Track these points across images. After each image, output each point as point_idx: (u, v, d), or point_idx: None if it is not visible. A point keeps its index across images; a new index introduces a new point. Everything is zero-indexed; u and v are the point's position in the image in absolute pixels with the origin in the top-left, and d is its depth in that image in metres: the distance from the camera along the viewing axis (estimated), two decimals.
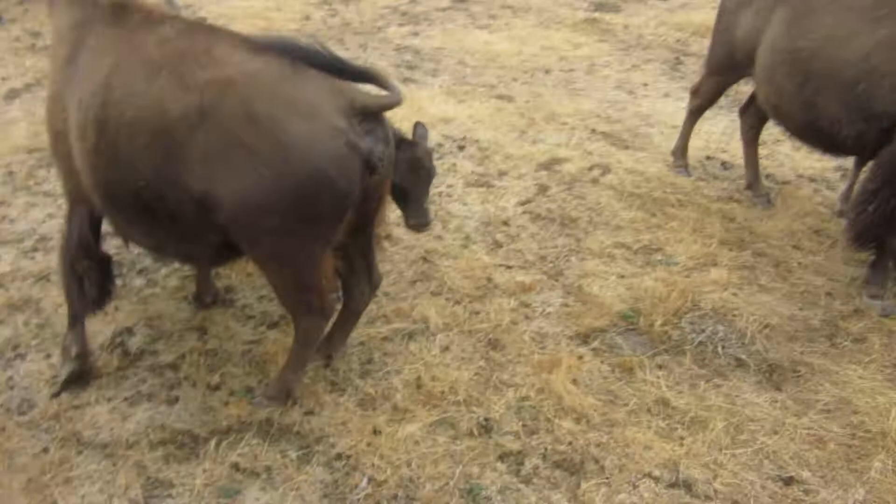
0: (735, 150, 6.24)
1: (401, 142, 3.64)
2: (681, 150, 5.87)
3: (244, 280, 4.45)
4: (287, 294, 3.38)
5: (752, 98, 5.41)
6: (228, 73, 2.96)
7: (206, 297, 4.21)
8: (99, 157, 3.14)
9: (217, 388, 3.69)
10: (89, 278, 3.56)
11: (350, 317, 3.78)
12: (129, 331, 4.02)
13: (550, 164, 5.88)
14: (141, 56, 3.09)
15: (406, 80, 7.46)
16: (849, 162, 5.93)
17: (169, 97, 2.98)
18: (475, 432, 3.51)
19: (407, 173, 3.66)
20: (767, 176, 5.83)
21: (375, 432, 3.46)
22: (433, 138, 6.23)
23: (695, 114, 5.81)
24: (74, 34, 3.26)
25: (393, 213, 5.16)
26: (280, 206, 2.96)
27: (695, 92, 5.76)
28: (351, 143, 2.96)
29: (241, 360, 3.86)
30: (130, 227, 3.41)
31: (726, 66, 5.29)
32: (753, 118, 5.49)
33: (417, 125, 3.97)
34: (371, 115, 3.06)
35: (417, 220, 3.81)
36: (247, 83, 2.94)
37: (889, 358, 4.04)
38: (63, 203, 5.12)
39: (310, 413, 3.57)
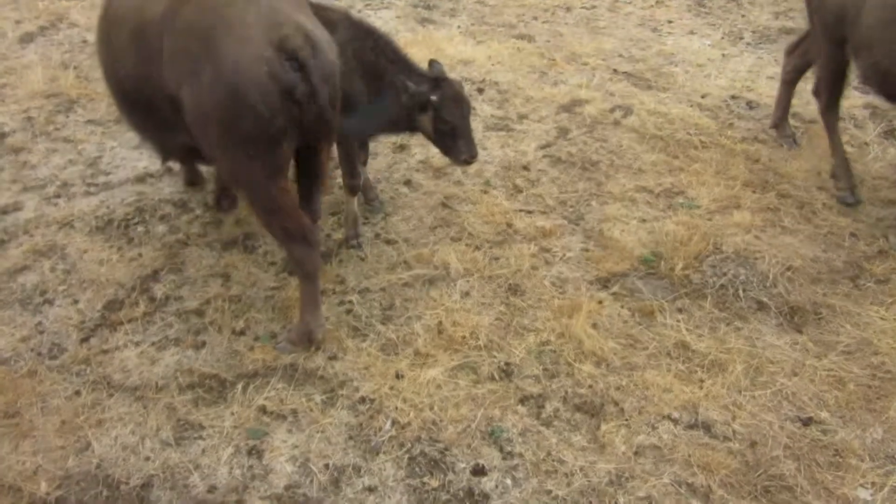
0: (762, 88, 6.10)
1: (441, 80, 3.92)
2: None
3: None
4: (258, 218, 3.63)
5: (803, 38, 5.17)
6: None
7: (223, 203, 4.45)
8: (101, 46, 3.73)
9: (242, 333, 3.77)
10: None
11: None
12: (154, 276, 4.10)
13: (571, 107, 5.80)
14: None
15: (424, 21, 7.32)
16: (878, 100, 5.79)
17: (147, 2, 3.37)
18: (496, 376, 3.57)
19: (452, 109, 3.90)
20: (794, 115, 5.69)
21: (398, 376, 3.53)
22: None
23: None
24: None
25: (413, 157, 5.17)
26: (216, 119, 3.21)
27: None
28: (273, 73, 3.13)
29: (265, 306, 3.92)
30: (128, 115, 3.84)
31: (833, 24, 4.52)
32: (799, 60, 5.27)
33: (432, 62, 4.10)
34: (302, 55, 3.17)
35: (469, 152, 3.99)
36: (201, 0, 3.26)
37: None
38: (83, 148, 5.17)
39: (333, 358, 3.65)
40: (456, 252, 4.29)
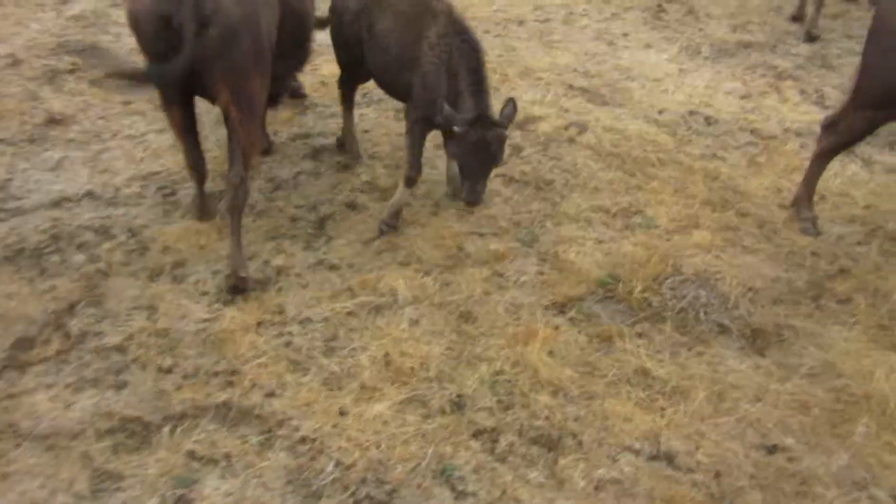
0: (719, 104, 6.29)
1: (479, 121, 4.02)
2: (805, 200, 4.92)
3: (197, 253, 4.41)
4: None
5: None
6: None
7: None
8: None
9: (169, 371, 3.68)
10: None
11: None
12: (70, 311, 3.97)
13: (524, 124, 5.87)
14: None
15: None
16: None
17: None
18: (447, 410, 3.55)
19: (468, 152, 4.05)
20: (752, 131, 5.88)
21: (342, 413, 3.48)
22: None
23: (828, 154, 4.86)
24: None
25: (358, 177, 5.16)
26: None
27: (831, 127, 4.77)
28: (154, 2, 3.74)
29: (195, 341, 3.84)
30: None
31: (886, 98, 4.36)
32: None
33: (509, 101, 4.18)
34: None
35: (467, 198, 4.16)
36: None
37: (874, 318, 4.14)
38: None
39: (271, 395, 3.58)
40: (404, 278, 4.28)
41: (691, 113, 6.17)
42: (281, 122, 5.73)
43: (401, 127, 5.77)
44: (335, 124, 5.75)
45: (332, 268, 4.38)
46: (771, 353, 3.94)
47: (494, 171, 5.26)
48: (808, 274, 4.48)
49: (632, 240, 4.67)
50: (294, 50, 4.71)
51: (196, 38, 3.67)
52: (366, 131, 5.73)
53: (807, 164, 5.40)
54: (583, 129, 5.85)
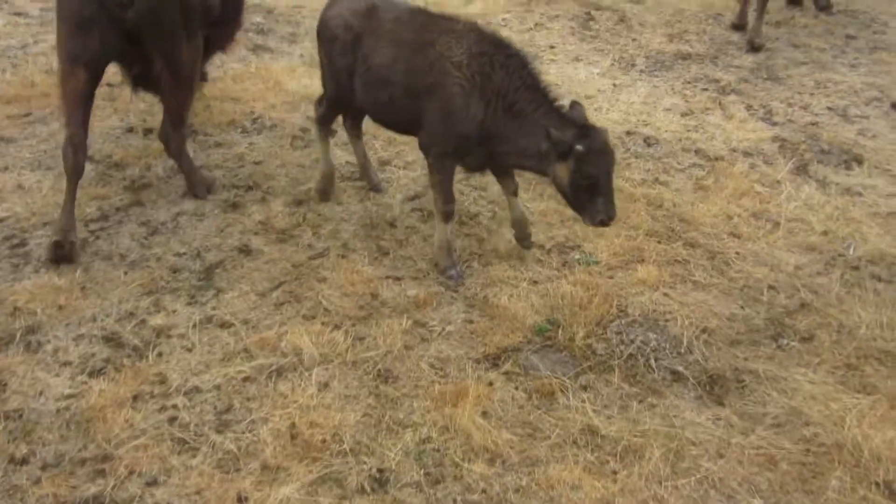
0: (659, 122, 6.56)
1: (589, 128, 4.20)
2: None
3: (55, 315, 4.27)
4: None
5: None
6: None
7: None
8: None
9: (24, 461, 3.52)
10: None
11: None
12: None
13: None
14: None
15: (257, 49, 7.38)
16: (787, 132, 6.38)
17: None
18: (367, 488, 3.51)
19: (598, 163, 4.17)
20: (697, 151, 6.15)
21: (241, 500, 3.40)
22: (295, 122, 6.23)
23: None
24: None
25: (249, 217, 5.12)
26: None
27: None
28: None
29: (56, 422, 3.70)
30: None
31: None
32: None
33: (574, 105, 4.37)
34: None
35: (608, 213, 4.28)
36: None
37: (840, 357, 4.35)
38: None
39: (153, 484, 3.46)
40: (309, 333, 4.25)
41: (629, 133, 6.41)
42: (155, 155, 5.64)
43: (298, 157, 5.80)
44: (219, 155, 5.71)
45: (224, 325, 4.31)
46: (731, 401, 4.08)
47: (411, 206, 5.37)
48: (766, 310, 4.68)
49: (570, 279, 4.78)
50: (226, 19, 5.49)
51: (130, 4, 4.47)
52: (256, 163, 5.71)
53: (758, 186, 5.70)
54: None
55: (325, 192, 5.36)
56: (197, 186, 5.29)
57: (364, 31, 4.71)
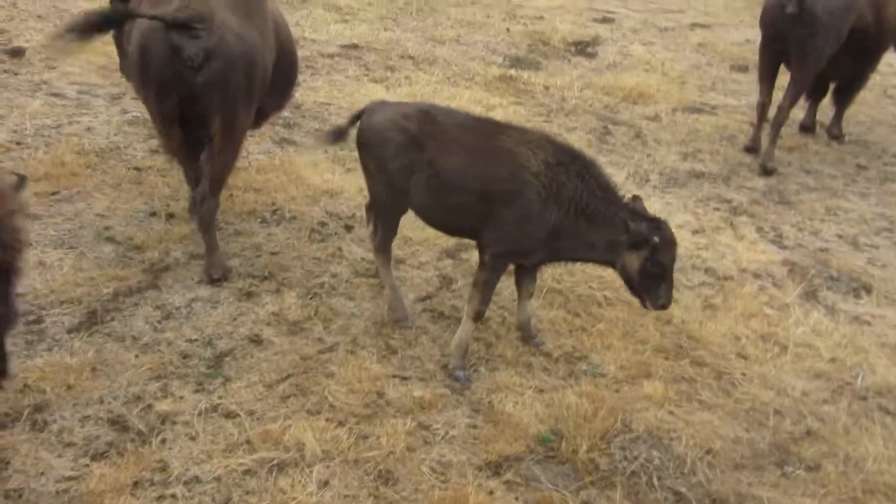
0: None
1: (661, 221, 4.59)
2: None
3: (64, 394, 4.29)
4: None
5: None
6: None
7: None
8: None
9: None
10: None
11: None
12: None
13: (456, 252, 6.05)
14: None
15: (283, 142, 7.57)
16: (797, 256, 6.46)
17: None
18: None
19: (668, 253, 4.55)
20: (706, 270, 6.21)
21: None
22: (314, 215, 6.35)
23: None
24: None
25: (263, 307, 5.17)
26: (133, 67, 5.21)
27: None
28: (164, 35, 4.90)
29: (56, 503, 3.67)
30: None
31: None
32: None
33: (636, 198, 4.73)
34: (190, 28, 4.90)
35: (668, 298, 4.64)
36: None
37: (846, 489, 4.30)
38: None
39: None
40: (313, 429, 4.24)
41: None
42: (175, 240, 5.75)
43: (314, 250, 5.89)
44: (238, 244, 5.81)
45: (229, 415, 4.31)
46: None
47: (422, 306, 5.42)
48: (772, 435, 4.65)
49: (576, 389, 4.78)
50: (281, 90, 5.99)
51: (200, 69, 4.91)
52: (273, 253, 5.80)
53: (766, 309, 5.74)
54: None
55: (400, 318, 5.25)
56: (213, 266, 5.40)
57: (424, 135, 4.79)
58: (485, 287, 4.80)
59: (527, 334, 5.21)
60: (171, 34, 4.89)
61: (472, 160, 4.72)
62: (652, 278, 4.59)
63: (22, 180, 3.77)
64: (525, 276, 5.08)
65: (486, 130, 4.87)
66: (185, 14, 4.94)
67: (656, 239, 4.49)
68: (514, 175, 4.61)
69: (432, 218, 5.03)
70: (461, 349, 4.87)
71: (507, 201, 4.63)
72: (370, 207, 5.33)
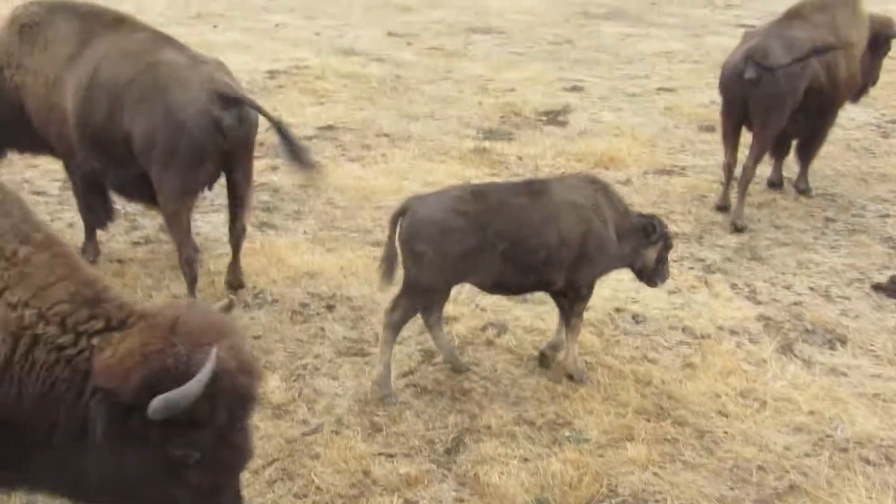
0: (647, 300, 6.74)
1: (654, 216, 5.68)
2: None
3: None
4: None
5: None
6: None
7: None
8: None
9: None
10: None
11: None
12: None
13: None
14: None
15: (262, 226, 7.68)
16: (772, 311, 6.55)
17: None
18: None
19: (670, 238, 5.79)
20: (684, 330, 6.29)
21: None
22: (295, 297, 6.42)
23: None
24: None
25: None
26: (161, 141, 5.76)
27: None
28: (206, 109, 5.72)
29: None
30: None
31: None
32: None
33: (653, 217, 5.71)
34: (231, 100, 5.80)
35: (668, 273, 5.89)
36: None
37: None
38: None
39: None
40: None
41: (618, 310, 6.57)
42: None
43: (297, 331, 5.94)
44: None
45: None
46: None
47: (405, 381, 5.45)
48: (756, 491, 4.67)
49: (560, 456, 4.80)
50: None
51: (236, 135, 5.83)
52: (256, 337, 5.84)
53: (744, 365, 5.80)
54: (502, 329, 6.14)
55: (386, 395, 5.27)
56: None
57: (484, 213, 5.14)
58: (582, 310, 5.58)
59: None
60: (210, 105, 5.78)
61: (541, 218, 5.24)
62: (661, 262, 5.66)
63: (230, 304, 3.70)
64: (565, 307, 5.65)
65: (532, 189, 5.45)
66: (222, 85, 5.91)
67: (665, 230, 5.58)
68: (579, 216, 5.31)
69: (513, 284, 5.43)
70: (576, 363, 5.55)
71: (585, 240, 5.30)
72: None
